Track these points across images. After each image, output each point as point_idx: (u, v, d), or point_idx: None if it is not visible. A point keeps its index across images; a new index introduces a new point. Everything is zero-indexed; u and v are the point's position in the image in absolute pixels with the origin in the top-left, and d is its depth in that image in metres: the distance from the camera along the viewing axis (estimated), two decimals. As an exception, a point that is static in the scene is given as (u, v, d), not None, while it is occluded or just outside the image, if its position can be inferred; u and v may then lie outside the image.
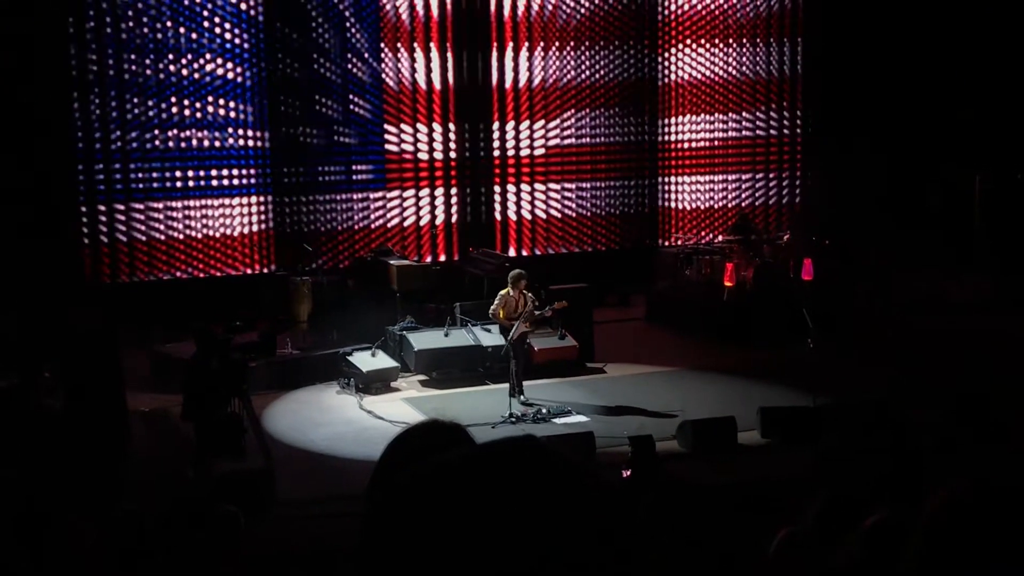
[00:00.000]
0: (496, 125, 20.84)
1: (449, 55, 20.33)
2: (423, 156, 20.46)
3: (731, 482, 10.99)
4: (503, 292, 14.19)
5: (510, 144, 20.99)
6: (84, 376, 11.46)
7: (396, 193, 20.38)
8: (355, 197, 20.11)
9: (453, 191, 20.72)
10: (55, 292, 16.96)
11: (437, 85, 20.33)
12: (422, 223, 20.55)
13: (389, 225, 20.34)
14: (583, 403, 14.30)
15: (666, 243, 21.76)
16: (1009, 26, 21.32)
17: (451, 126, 20.55)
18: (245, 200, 19.31)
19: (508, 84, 20.80)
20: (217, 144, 19.08)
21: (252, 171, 19.32)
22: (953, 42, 21.44)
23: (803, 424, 12.61)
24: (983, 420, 12.30)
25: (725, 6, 21.95)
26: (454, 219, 20.78)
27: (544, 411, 13.74)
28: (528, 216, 21.26)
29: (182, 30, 18.62)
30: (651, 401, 14.28)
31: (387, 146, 20.23)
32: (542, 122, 21.13)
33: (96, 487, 10.63)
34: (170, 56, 18.60)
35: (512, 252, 20.83)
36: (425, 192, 20.54)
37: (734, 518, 9.09)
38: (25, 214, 17.36)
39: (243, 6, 18.90)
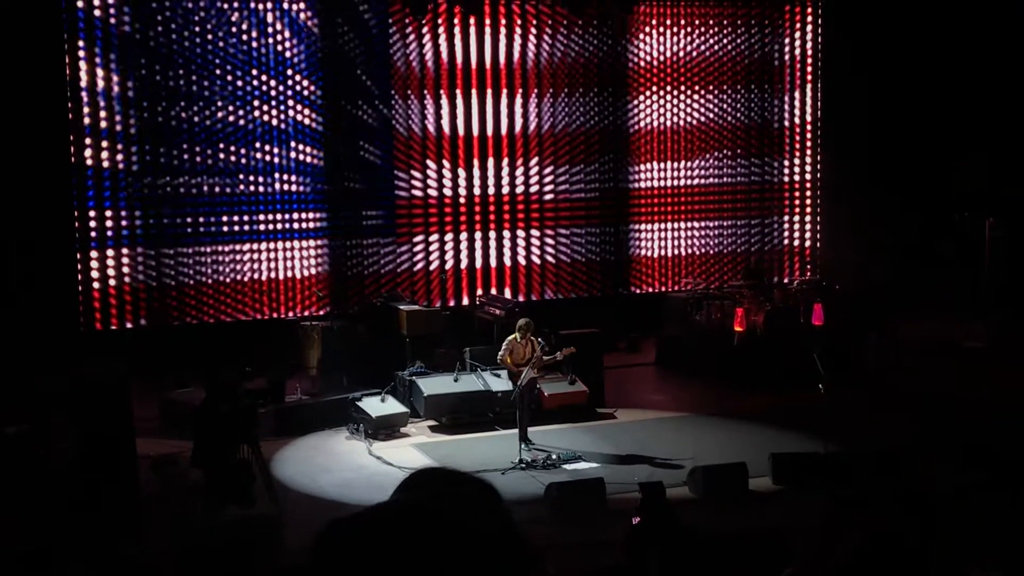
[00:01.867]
0: (506, 171, 20.91)
1: (459, 101, 20.45)
2: (433, 202, 20.53)
3: (742, 529, 10.92)
4: (510, 338, 14.19)
5: (520, 189, 21.05)
6: (95, 422, 11.46)
7: (406, 238, 20.42)
8: (365, 242, 20.16)
9: (463, 236, 20.76)
10: (66, 338, 17.05)
11: (447, 131, 20.45)
12: (432, 268, 20.58)
13: (399, 270, 20.38)
14: (593, 449, 14.25)
15: (678, 288, 21.66)
16: (1016, 72, 21.42)
17: (460, 172, 20.62)
18: (255, 246, 19.36)
19: (518, 130, 20.90)
20: (228, 190, 19.16)
21: (262, 217, 19.39)
22: (966, 88, 21.54)
23: (815, 470, 12.55)
24: (992, 467, 12.25)
25: (733, 53, 22.08)
26: (464, 264, 20.81)
27: (554, 457, 13.68)
28: (538, 261, 21.28)
29: (194, 78, 18.75)
30: (661, 447, 14.22)
31: (397, 191, 20.30)
32: (552, 167, 21.20)
33: (105, 533, 10.61)
34: (182, 103, 18.72)
35: (522, 297, 20.83)
36: (435, 237, 20.60)
37: (745, 565, 9.03)
38: (36, 261, 17.49)
39: (253, 54, 19.06)
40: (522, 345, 14.03)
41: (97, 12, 18.05)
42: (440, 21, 20.21)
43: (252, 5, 19.00)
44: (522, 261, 21.17)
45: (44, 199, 17.75)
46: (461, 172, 20.63)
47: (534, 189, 21.15)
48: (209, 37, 18.81)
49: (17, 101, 17.30)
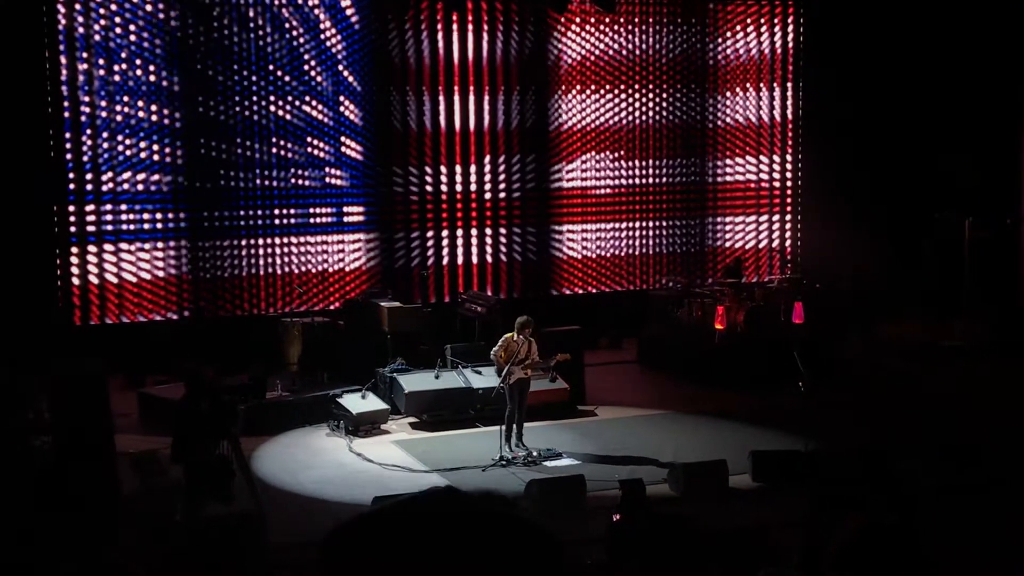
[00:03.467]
0: (488, 167, 20.89)
1: (441, 98, 20.41)
2: (415, 198, 20.50)
3: (722, 526, 10.94)
4: (508, 336, 13.88)
5: (502, 186, 21.04)
6: (73, 418, 11.39)
7: (387, 235, 20.38)
8: (346, 238, 20.12)
9: (444, 233, 20.74)
10: (44, 333, 16.95)
11: (429, 127, 20.41)
12: (414, 264, 20.54)
13: (381, 266, 20.33)
14: (574, 446, 14.24)
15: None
16: (997, 72, 21.51)
17: (443, 168, 20.59)
18: (235, 242, 19.31)
19: (499, 126, 20.88)
20: (208, 185, 19.09)
21: (242, 212, 19.33)
22: (948, 86, 21.61)
23: (794, 468, 12.58)
24: (972, 468, 12.31)
25: (713, 51, 22.09)
26: (445, 261, 20.78)
27: (534, 454, 13.67)
28: (520, 258, 21.27)
29: (175, 72, 18.67)
30: (642, 444, 14.24)
31: (380, 187, 20.25)
32: (534, 164, 21.18)
33: (85, 531, 10.56)
34: (163, 98, 18.64)
35: (503, 295, 20.82)
36: (416, 234, 20.56)
37: (725, 562, 9.05)
38: (14, 255, 17.40)
39: (235, 48, 19.00)
40: (518, 343, 13.84)
41: (78, 5, 17.98)
42: (423, 18, 20.17)
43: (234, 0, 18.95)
44: (503, 258, 21.15)
45: (24, 193, 17.66)
46: (443, 169, 20.60)
47: (516, 186, 21.13)
48: (190, 32, 18.73)
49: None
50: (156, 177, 18.74)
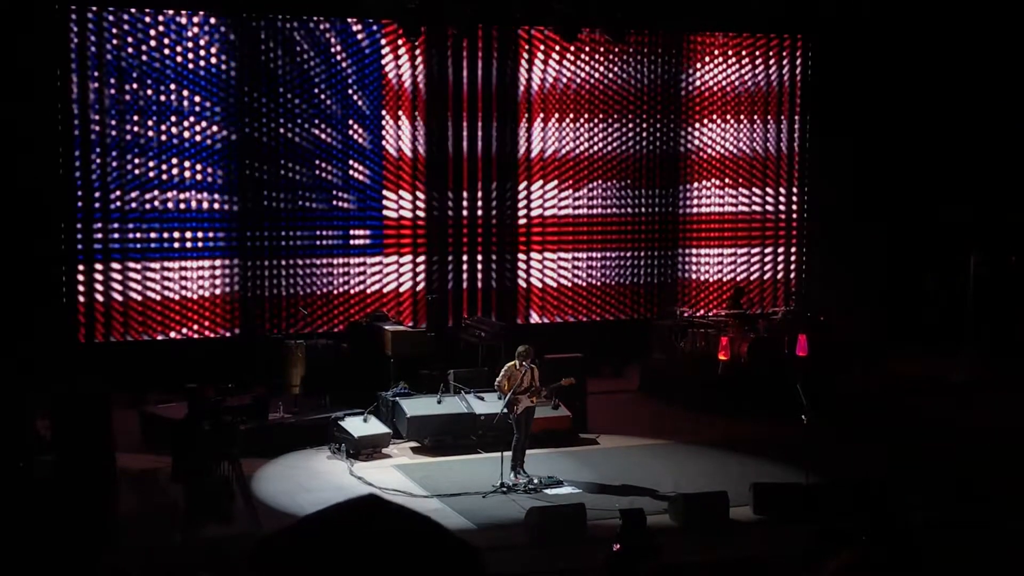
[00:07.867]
0: (495, 194, 20.93)
1: (449, 124, 20.48)
2: (421, 223, 20.53)
3: (722, 558, 10.92)
4: (509, 365, 13.89)
5: (508, 213, 21.07)
6: (75, 436, 11.40)
7: (393, 258, 20.42)
8: (352, 261, 20.16)
9: (449, 258, 20.76)
10: (49, 351, 16.97)
11: (436, 153, 20.46)
12: (418, 289, 20.56)
13: (385, 290, 20.36)
14: (575, 475, 14.22)
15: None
16: (1002, 105, 21.56)
17: (449, 194, 20.63)
18: (240, 262, 19.34)
19: (509, 154, 20.93)
20: (216, 206, 19.15)
21: (249, 233, 19.37)
22: (954, 121, 21.65)
23: (796, 501, 12.56)
24: (972, 502, 12.30)
25: (723, 83, 22.16)
26: (450, 286, 20.79)
27: (535, 481, 13.65)
28: (524, 284, 21.28)
29: (185, 93, 18.76)
30: (643, 474, 14.21)
31: (385, 212, 20.30)
32: (540, 192, 21.23)
33: (84, 548, 10.54)
34: (172, 118, 18.72)
35: (508, 320, 20.81)
36: (422, 258, 20.59)
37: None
38: (21, 273, 17.43)
39: (245, 71, 19.09)
40: (520, 372, 13.81)
41: (91, 25, 18.09)
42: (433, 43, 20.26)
43: (243, 22, 19.04)
44: (508, 284, 21.16)
45: (32, 211, 17.71)
46: (450, 194, 20.64)
47: (521, 212, 21.17)
48: (201, 54, 18.82)
49: (9, 112, 17.30)
50: (170, 196, 18.81)
